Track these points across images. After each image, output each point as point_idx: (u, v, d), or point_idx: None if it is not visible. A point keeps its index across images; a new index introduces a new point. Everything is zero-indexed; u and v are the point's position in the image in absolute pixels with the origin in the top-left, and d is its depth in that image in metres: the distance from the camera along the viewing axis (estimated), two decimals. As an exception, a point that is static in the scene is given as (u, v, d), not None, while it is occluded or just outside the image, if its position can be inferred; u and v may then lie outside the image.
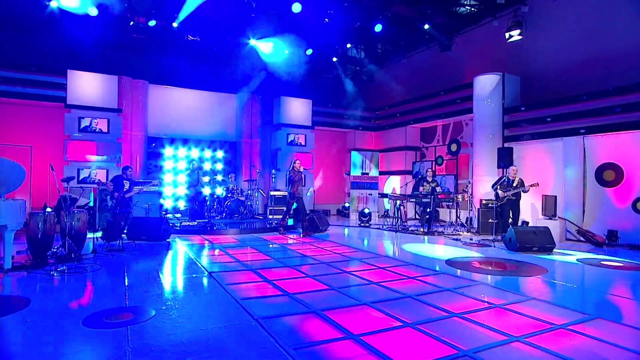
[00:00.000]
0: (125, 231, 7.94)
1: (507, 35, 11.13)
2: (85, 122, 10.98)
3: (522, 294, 4.79)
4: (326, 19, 11.81)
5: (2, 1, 9.59)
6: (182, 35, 13.14)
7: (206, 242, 8.36)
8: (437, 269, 6.07)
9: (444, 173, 13.26)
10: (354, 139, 15.78)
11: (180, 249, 7.55)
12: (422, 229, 10.17)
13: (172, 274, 5.73)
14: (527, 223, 9.82)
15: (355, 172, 13.95)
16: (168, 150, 13.69)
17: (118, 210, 7.69)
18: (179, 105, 13.85)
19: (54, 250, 5.89)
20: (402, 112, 14.56)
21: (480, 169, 11.21)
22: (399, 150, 14.67)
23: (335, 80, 15.30)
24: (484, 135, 11.15)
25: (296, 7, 10.73)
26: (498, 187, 9.13)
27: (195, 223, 9.51)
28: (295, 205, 9.73)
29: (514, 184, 8.95)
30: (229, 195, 11.77)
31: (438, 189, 10.68)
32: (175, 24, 11.68)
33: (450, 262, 6.49)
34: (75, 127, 10.87)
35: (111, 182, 8.54)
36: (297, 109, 14.42)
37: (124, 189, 8.61)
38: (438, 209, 12.46)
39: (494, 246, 8.23)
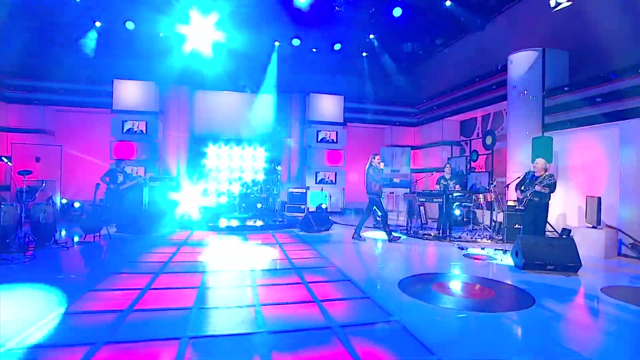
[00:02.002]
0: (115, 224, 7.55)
1: (552, 2, 8.28)
2: (127, 125, 11.14)
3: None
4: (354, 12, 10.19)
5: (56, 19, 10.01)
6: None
7: (186, 238, 7.57)
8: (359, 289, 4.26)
9: (483, 169, 10.60)
10: (391, 135, 13.74)
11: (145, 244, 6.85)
12: (433, 233, 8.02)
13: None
14: (569, 232, 7.04)
15: (385, 169, 11.98)
16: (211, 149, 13.42)
17: (94, 205, 7.26)
18: (223, 107, 13.44)
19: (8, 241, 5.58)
20: (438, 105, 12.14)
21: (514, 164, 8.53)
22: (436, 145, 12.29)
23: (370, 75, 13.43)
24: (519, 124, 8.45)
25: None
26: (522, 187, 6.62)
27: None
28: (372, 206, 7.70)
29: (538, 181, 6.39)
30: (248, 192, 10.92)
31: (457, 187, 8.38)
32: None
33: (403, 284, 4.57)
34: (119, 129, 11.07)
35: (106, 175, 8.28)
36: (328, 106, 12.97)
37: (118, 182, 8.30)
38: (471, 210, 9.94)
39: (501, 260, 5.89)
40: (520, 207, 6.48)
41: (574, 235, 6.41)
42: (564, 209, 8.01)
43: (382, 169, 7.40)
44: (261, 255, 5.94)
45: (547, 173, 6.43)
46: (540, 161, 6.45)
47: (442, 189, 7.94)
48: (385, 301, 3.76)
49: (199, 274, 4.71)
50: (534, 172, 6.54)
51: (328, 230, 8.76)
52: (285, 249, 6.43)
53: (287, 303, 3.67)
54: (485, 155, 10.49)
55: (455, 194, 7.90)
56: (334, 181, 12.84)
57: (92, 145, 11.53)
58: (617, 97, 6.74)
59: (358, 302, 3.78)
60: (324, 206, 11.58)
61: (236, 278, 4.60)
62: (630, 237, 6.05)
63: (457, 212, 9.17)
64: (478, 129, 11.05)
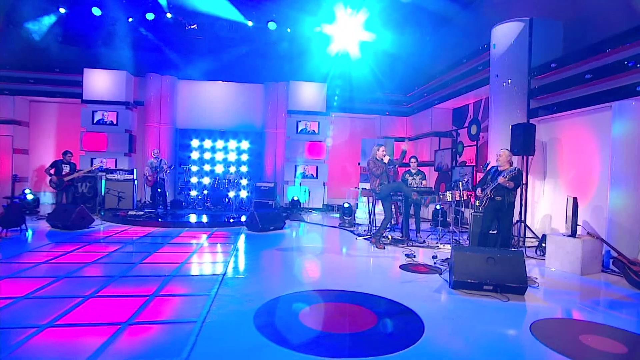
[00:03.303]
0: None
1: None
2: (97, 116, 10.81)
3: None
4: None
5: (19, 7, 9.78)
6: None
7: (113, 234, 6.99)
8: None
9: (474, 164, 9.25)
10: (380, 126, 12.53)
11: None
12: (390, 237, 6.92)
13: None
14: (545, 238, 5.74)
15: (365, 162, 10.86)
16: (195, 142, 12.95)
17: (12, 200, 6.84)
18: (207, 97, 12.87)
19: None
20: (428, 91, 10.83)
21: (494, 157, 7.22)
22: (425, 137, 11.01)
23: (357, 61, 12.27)
24: (500, 110, 7.10)
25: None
26: (483, 185, 5.41)
27: (142, 213, 8.26)
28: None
29: (500, 176, 5.16)
30: (216, 185, 10.25)
31: (423, 183, 7.22)
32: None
33: (266, 309, 3.64)
34: (89, 120, 10.76)
35: (51, 167, 7.88)
36: (309, 94, 12.00)
37: (63, 173, 7.88)
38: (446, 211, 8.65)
39: (442, 274, 4.78)
40: (482, 206, 5.29)
41: (547, 245, 5.17)
42: (552, 209, 6.66)
43: (386, 163, 6.21)
44: (159, 258, 5.20)
45: (511, 167, 5.21)
46: (504, 153, 5.22)
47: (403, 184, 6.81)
48: (213, 340, 2.87)
49: (43, 278, 4.05)
50: (497, 166, 5.34)
51: (281, 229, 7.91)
52: (199, 251, 5.67)
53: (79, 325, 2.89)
54: (471, 147, 9.14)
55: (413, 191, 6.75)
56: (314, 175, 11.90)
57: (66, 136, 11.36)
58: (609, 72, 5.33)
59: (168, 330, 2.92)
60: (295, 199, 10.71)
61: (78, 285, 3.88)
62: (613, 248, 4.71)
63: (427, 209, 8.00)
64: (470, 116, 9.68)
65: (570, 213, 5.00)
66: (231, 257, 5.29)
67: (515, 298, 3.89)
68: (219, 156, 13.03)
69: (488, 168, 5.37)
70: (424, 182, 7.20)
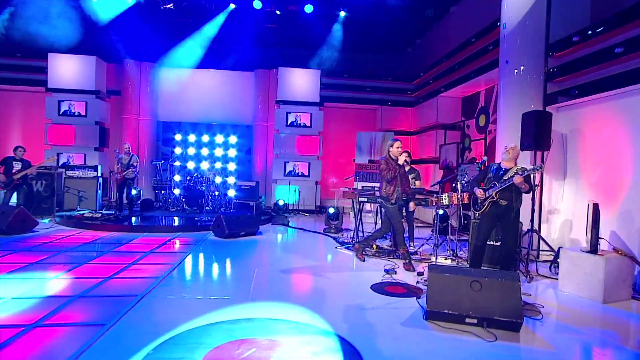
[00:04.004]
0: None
1: None
2: (64, 106, 10.37)
3: None
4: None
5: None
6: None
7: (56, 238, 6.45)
8: None
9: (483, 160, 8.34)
10: (382, 118, 11.68)
11: None
12: (375, 246, 6.14)
13: None
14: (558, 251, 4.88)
15: (362, 158, 10.09)
16: (178, 136, 12.45)
17: None
18: (192, 87, 12.33)
19: None
20: (434, 78, 9.95)
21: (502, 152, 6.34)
22: (431, 130, 10.14)
23: (355, 44, 11.47)
24: (509, 95, 6.21)
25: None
26: (481, 184, 4.60)
27: (99, 215, 7.69)
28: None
29: (507, 176, 4.34)
30: (191, 184, 9.63)
31: (416, 184, 6.40)
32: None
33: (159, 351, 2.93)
34: (55, 111, 10.33)
35: (1, 164, 7.43)
36: (301, 82, 11.27)
37: (13, 171, 7.41)
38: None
39: (420, 297, 4.00)
40: (479, 212, 4.47)
41: (560, 262, 4.34)
42: (573, 216, 5.77)
43: (401, 164, 5.16)
44: (83, 272, 4.59)
45: (518, 167, 4.38)
46: (516, 148, 4.40)
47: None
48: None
49: None
50: (498, 163, 4.52)
51: (254, 234, 7.24)
52: (139, 262, 5.04)
53: None
54: (479, 142, 8.24)
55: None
56: (306, 174, 11.19)
57: (30, 128, 11.00)
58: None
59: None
60: (281, 203, 10.03)
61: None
62: (648, 272, 3.84)
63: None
64: (481, 105, 8.77)
65: (590, 223, 4.13)
66: (169, 273, 4.64)
67: (507, 336, 3.10)
68: (205, 152, 12.53)
69: (486, 165, 4.54)
70: (417, 182, 6.39)
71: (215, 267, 5.06)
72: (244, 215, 7.30)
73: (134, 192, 10.31)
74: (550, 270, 5.18)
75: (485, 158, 4.68)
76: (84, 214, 7.75)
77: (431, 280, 3.37)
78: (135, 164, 8.27)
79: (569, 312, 3.80)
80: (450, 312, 3.24)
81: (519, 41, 6.07)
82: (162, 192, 10.00)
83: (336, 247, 6.47)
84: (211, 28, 11.57)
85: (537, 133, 5.38)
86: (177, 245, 6.24)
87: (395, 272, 4.94)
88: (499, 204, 4.31)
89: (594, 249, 4.10)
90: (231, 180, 12.05)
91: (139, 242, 6.27)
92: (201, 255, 5.59)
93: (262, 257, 5.78)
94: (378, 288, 4.30)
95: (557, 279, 4.65)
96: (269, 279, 4.64)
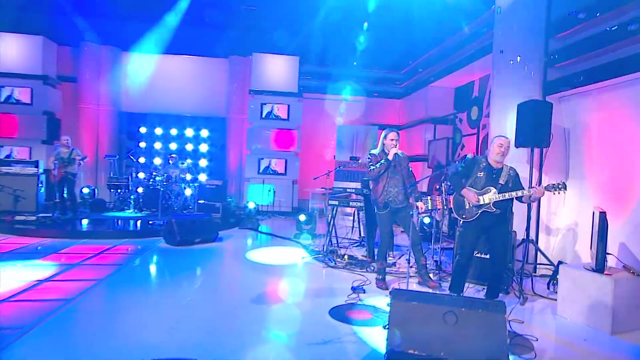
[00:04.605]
0: None
1: None
2: (5, 92, 9.56)
3: None
4: None
5: None
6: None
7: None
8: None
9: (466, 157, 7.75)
10: (366, 110, 11.07)
11: None
12: (347, 257, 5.51)
13: None
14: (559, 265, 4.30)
15: (343, 155, 9.46)
16: (144, 129, 11.74)
17: None
18: (159, 74, 11.60)
19: None
20: (423, 65, 9.35)
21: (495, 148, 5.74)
22: (420, 124, 9.54)
23: (339, 27, 10.82)
24: (503, 84, 5.61)
25: None
26: (462, 180, 3.97)
27: (34, 219, 6.92)
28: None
29: (502, 179, 3.72)
30: (151, 182, 8.92)
31: (396, 185, 5.78)
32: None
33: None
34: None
35: None
36: (277, 70, 10.61)
37: None
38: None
39: (387, 326, 3.37)
40: (465, 220, 3.85)
41: (560, 281, 3.76)
42: (576, 224, 5.19)
43: (391, 158, 4.38)
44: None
45: (506, 164, 3.79)
46: (501, 141, 3.78)
47: (363, 186, 5.39)
48: None
49: None
50: (484, 157, 3.91)
51: (212, 241, 6.58)
52: (54, 279, 4.36)
53: None
54: (471, 137, 7.64)
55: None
56: (282, 171, 10.55)
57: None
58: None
59: None
60: (251, 205, 9.35)
61: None
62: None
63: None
64: (475, 96, 8.18)
65: (595, 235, 3.54)
66: (77, 297, 3.96)
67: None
68: (173, 146, 11.85)
69: (467, 162, 3.91)
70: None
71: (140, 292, 4.34)
72: (201, 218, 6.63)
73: (86, 190, 9.61)
74: (548, 288, 4.58)
75: (468, 156, 4.05)
76: (14, 217, 7.02)
77: (394, 311, 2.75)
78: (77, 158, 7.56)
79: (569, 346, 3.20)
80: (416, 353, 2.61)
81: (516, 27, 5.46)
82: (118, 191, 9.28)
83: (303, 258, 5.83)
84: (181, 8, 10.87)
85: (535, 127, 4.77)
86: (116, 255, 5.57)
87: (364, 290, 4.32)
88: (491, 213, 3.70)
89: (600, 268, 3.50)
90: (202, 178, 11.42)
91: (71, 252, 5.58)
92: (135, 270, 4.91)
93: (208, 274, 5.07)
94: (338, 313, 3.66)
95: (556, 300, 4.05)
96: (199, 314, 3.96)
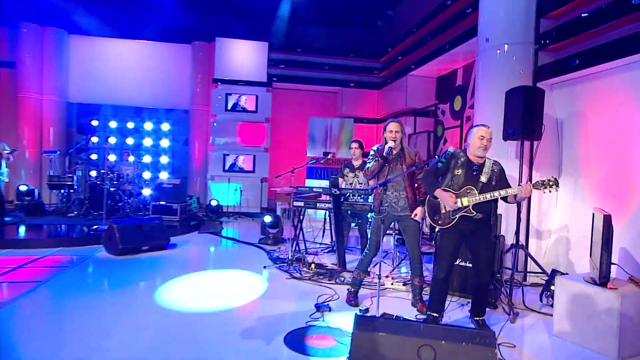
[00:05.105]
0: None
1: None
2: None
3: None
4: None
5: None
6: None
7: None
8: None
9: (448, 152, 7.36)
10: (343, 102, 10.57)
11: None
12: (314, 265, 5.00)
13: None
14: (555, 276, 3.90)
15: (316, 150, 8.93)
16: (95, 122, 10.92)
17: None
18: (113, 61, 10.82)
19: None
20: (403, 53, 8.90)
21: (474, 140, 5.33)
22: (400, 116, 9.10)
23: (313, 16, 10.28)
24: (493, 71, 5.19)
25: None
26: (436, 178, 3.49)
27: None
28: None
29: (484, 177, 3.25)
30: (99, 182, 8.19)
31: (370, 183, 5.30)
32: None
33: None
34: None
35: None
36: (244, 56, 10.00)
37: None
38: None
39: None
40: (442, 226, 3.38)
41: (556, 295, 3.34)
42: (569, 227, 4.81)
43: (391, 153, 3.78)
44: None
45: (488, 159, 3.34)
46: (483, 131, 3.31)
47: (331, 185, 4.86)
48: None
49: None
50: (462, 151, 3.45)
51: (163, 248, 5.95)
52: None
53: None
54: (454, 129, 7.23)
55: (354, 197, 4.83)
56: (250, 169, 9.96)
57: None
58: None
59: None
60: (214, 203, 8.77)
61: None
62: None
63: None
64: (458, 85, 7.77)
65: (598, 242, 3.11)
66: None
67: None
68: (130, 141, 11.11)
69: (447, 157, 3.43)
70: (371, 182, 5.26)
71: (47, 323, 3.71)
72: (148, 223, 5.98)
73: (23, 188, 8.79)
74: (541, 300, 4.17)
75: (451, 150, 3.58)
76: None
77: (356, 344, 2.24)
78: (3, 152, 6.79)
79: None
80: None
81: (503, 5, 5.05)
82: (61, 191, 8.51)
83: (265, 267, 5.28)
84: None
85: (525, 117, 4.35)
86: (39, 269, 4.88)
87: (330, 308, 3.80)
88: (471, 217, 3.23)
89: (604, 280, 3.08)
90: (164, 176, 10.77)
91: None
92: (54, 289, 4.24)
93: (150, 291, 4.44)
94: (295, 340, 3.13)
95: (551, 315, 3.64)
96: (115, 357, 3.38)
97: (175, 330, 3.32)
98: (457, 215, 3.25)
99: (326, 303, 3.90)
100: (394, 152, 3.80)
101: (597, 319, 3.07)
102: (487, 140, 3.25)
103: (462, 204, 3.22)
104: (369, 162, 3.89)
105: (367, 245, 3.96)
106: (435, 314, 3.35)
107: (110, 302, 3.94)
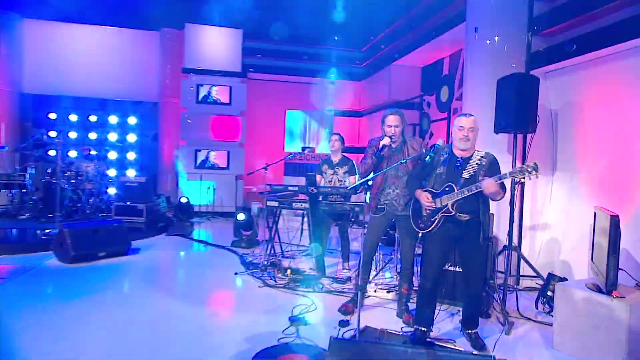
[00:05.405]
0: None
1: None
2: None
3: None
4: None
5: None
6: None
7: None
8: None
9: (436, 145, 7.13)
10: (323, 94, 10.26)
11: None
12: (289, 271, 4.67)
13: None
14: (551, 281, 3.68)
15: (293, 145, 8.60)
16: (53, 114, 10.32)
17: None
18: (74, 49, 10.21)
19: None
20: (386, 41, 8.63)
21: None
22: (382, 108, 8.85)
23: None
24: (482, 58, 4.93)
25: None
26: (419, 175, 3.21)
27: None
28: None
29: (467, 172, 2.96)
30: (54, 181, 7.63)
31: (350, 180, 4.98)
32: None
33: None
34: None
35: None
36: (217, 45, 9.56)
37: None
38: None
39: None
40: (425, 228, 3.09)
41: (556, 304, 3.09)
42: (565, 226, 4.60)
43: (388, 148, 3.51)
44: None
45: (478, 151, 3.06)
46: (472, 120, 3.02)
47: (308, 183, 4.51)
48: None
49: None
50: (447, 146, 3.17)
51: (123, 254, 5.51)
52: None
53: None
54: (441, 122, 6.98)
55: (332, 196, 4.50)
56: (224, 165, 9.56)
57: None
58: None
59: None
60: (184, 200, 8.35)
61: None
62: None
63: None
64: (444, 75, 7.53)
65: (603, 245, 2.86)
66: None
67: None
68: (93, 136, 10.57)
69: (435, 150, 3.15)
70: (351, 178, 4.94)
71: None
72: (107, 226, 5.52)
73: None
74: (536, 307, 3.93)
75: (440, 143, 3.29)
76: None
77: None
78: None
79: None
80: None
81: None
82: (11, 191, 7.93)
83: (236, 274, 4.92)
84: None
85: (519, 107, 4.09)
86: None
87: (305, 321, 3.47)
88: (457, 219, 2.95)
89: (609, 288, 2.84)
90: (131, 173, 10.30)
91: None
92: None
93: (98, 307, 3.99)
94: (264, 361, 2.80)
95: (549, 325, 3.41)
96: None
97: (127, 354, 2.94)
98: (437, 217, 2.99)
99: (302, 315, 3.57)
100: (393, 146, 3.50)
101: (602, 332, 2.82)
102: (467, 131, 2.97)
103: (441, 204, 2.95)
104: (364, 157, 3.59)
105: (362, 249, 3.62)
106: (423, 329, 3.06)
107: (47, 321, 3.51)
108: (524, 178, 2.75)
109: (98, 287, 4.35)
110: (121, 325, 3.41)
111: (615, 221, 2.76)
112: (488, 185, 2.78)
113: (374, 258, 4.08)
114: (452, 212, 2.93)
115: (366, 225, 3.67)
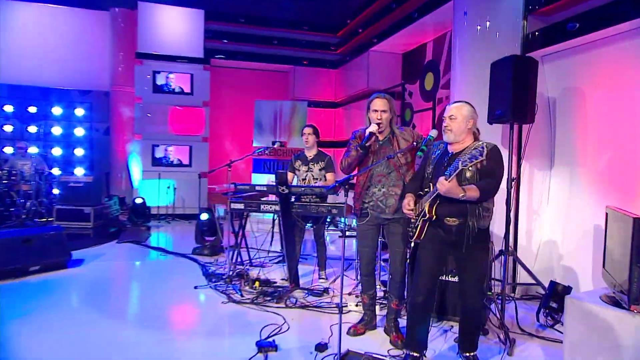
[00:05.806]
0: None
1: None
2: None
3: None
4: None
5: None
6: None
7: None
8: None
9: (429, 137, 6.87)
10: (295, 84, 9.85)
11: None
12: (258, 283, 4.26)
13: None
14: (554, 289, 3.45)
15: (264, 139, 8.17)
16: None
17: None
18: (9, 31, 9.41)
19: None
20: (364, 25, 8.28)
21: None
22: (360, 99, 8.54)
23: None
24: (472, 41, 4.65)
25: None
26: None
27: None
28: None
29: (462, 166, 2.60)
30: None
31: (328, 177, 4.60)
32: None
33: None
34: None
35: None
36: (175, 27, 8.99)
37: None
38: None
39: None
40: (413, 234, 2.77)
41: (567, 320, 2.82)
42: (565, 227, 4.36)
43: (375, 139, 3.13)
44: None
45: (477, 142, 2.71)
46: (462, 108, 2.69)
47: (279, 182, 4.11)
48: None
49: None
50: (441, 143, 2.85)
51: (63, 266, 4.96)
52: None
53: None
54: (426, 112, 6.69)
55: (306, 196, 4.11)
56: (186, 162, 9.04)
57: None
58: None
59: None
60: (139, 201, 7.80)
61: None
62: None
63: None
64: (428, 62, 7.25)
65: (624, 251, 2.59)
66: None
67: None
68: (33, 129, 9.83)
69: (427, 143, 2.85)
70: (328, 175, 4.56)
71: None
72: (41, 234, 4.94)
73: None
74: (537, 319, 3.67)
75: (433, 134, 2.97)
76: None
77: None
78: None
79: None
80: None
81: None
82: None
83: (196, 287, 4.47)
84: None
85: (516, 94, 3.80)
86: None
87: (276, 346, 3.07)
88: (445, 224, 2.62)
89: (630, 302, 2.56)
90: (79, 172, 9.69)
91: None
92: None
93: (26, 334, 3.49)
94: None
95: (555, 342, 3.14)
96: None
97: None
98: (419, 223, 2.70)
99: (271, 339, 3.17)
100: (381, 137, 3.14)
101: (622, 353, 2.55)
102: (448, 120, 2.65)
103: (422, 209, 2.65)
104: (349, 152, 3.21)
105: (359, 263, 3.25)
106: (415, 354, 2.72)
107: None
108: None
109: (27, 309, 3.82)
110: (57, 355, 2.93)
111: (637, 223, 2.48)
112: (440, 186, 2.44)
113: (375, 268, 3.72)
114: (431, 216, 2.62)
115: (346, 230, 3.33)
